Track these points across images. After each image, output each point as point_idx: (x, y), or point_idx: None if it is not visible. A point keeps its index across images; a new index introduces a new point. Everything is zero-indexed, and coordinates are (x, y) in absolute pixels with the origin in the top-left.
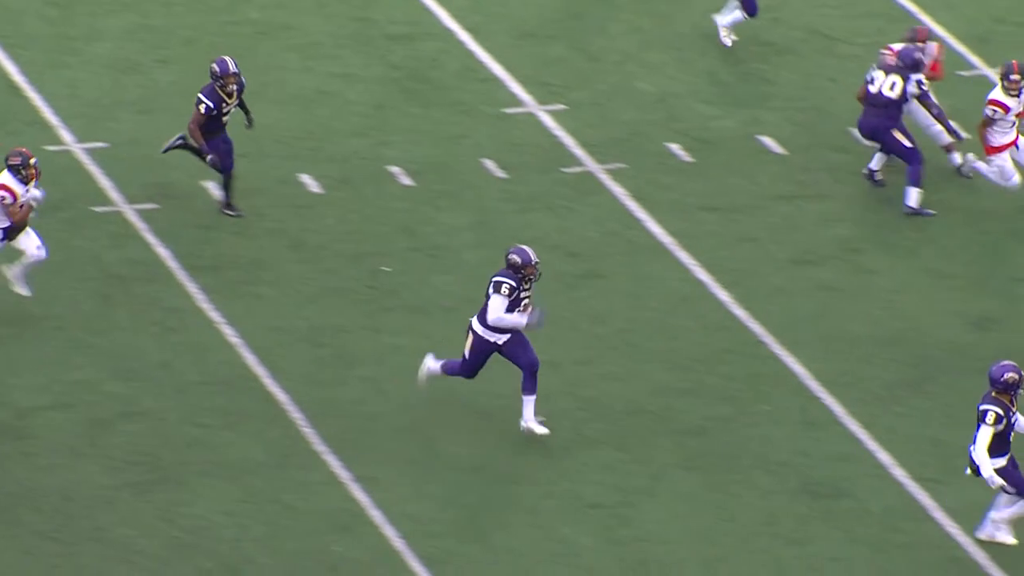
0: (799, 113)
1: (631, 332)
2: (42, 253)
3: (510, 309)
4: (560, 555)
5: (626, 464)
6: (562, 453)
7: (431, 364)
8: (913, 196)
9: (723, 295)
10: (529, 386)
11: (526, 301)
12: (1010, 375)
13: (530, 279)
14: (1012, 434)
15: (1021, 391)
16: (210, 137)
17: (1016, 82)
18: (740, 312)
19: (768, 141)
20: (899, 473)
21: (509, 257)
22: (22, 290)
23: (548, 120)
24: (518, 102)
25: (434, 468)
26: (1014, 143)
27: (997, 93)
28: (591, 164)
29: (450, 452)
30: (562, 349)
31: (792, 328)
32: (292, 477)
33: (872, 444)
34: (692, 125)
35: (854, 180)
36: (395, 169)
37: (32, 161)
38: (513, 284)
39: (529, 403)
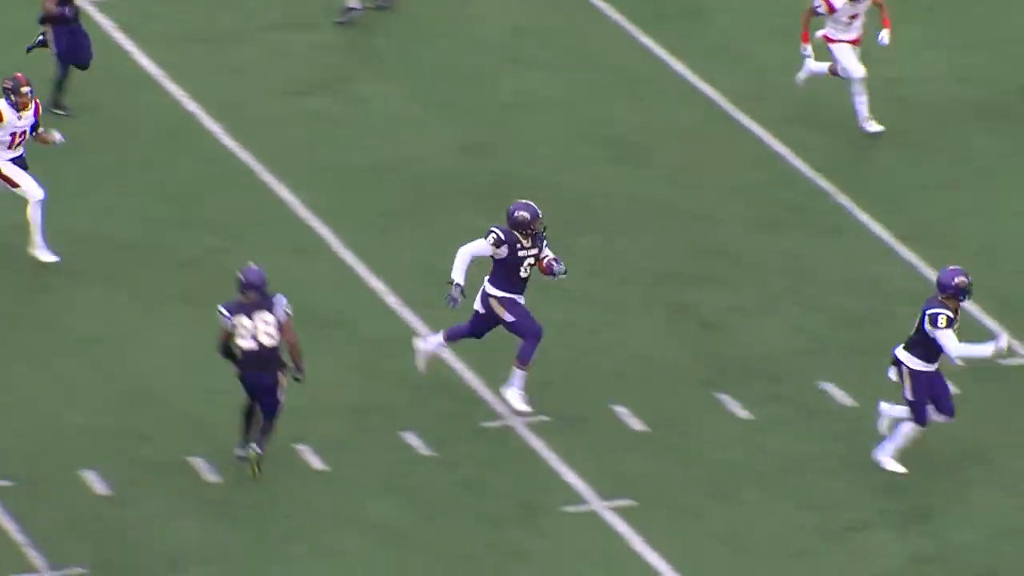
0: None
1: (122, 165)
2: (40, 193)
3: (513, 269)
4: (55, 390)
5: (121, 299)
6: (54, 290)
7: (427, 346)
8: None
9: (213, 126)
10: (525, 355)
11: (531, 260)
12: (961, 279)
13: (532, 234)
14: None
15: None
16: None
17: None
18: (230, 143)
19: None
20: (393, 300)
21: (517, 215)
22: (47, 256)
23: None
24: None
25: None
26: (856, 42)
27: None
28: None
29: None
30: (54, 184)
31: (283, 158)
32: None
33: (365, 272)
34: None
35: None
36: None
37: (24, 90)
38: (500, 236)
39: (520, 376)
